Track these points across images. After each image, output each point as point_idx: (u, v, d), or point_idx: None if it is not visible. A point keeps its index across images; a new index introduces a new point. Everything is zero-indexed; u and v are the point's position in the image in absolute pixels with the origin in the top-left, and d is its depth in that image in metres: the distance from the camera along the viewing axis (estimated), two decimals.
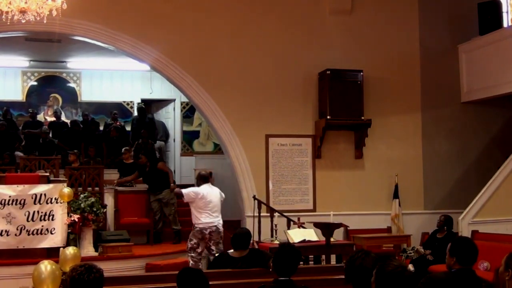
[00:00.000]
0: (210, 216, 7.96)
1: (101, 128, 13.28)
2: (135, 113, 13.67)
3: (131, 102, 13.97)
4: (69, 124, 13.11)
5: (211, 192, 8.12)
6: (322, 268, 6.33)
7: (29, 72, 13.67)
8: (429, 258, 8.22)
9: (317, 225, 7.64)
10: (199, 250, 7.97)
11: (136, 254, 8.60)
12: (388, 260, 3.12)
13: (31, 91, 13.68)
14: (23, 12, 5.82)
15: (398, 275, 3.03)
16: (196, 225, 7.99)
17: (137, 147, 12.02)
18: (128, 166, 10.95)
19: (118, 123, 13.15)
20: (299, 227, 8.08)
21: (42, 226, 8.03)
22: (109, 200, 10.28)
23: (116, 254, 8.30)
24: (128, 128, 13.44)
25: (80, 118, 13.42)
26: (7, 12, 5.85)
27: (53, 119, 13.37)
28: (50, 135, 12.87)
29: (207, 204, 7.98)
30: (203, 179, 8.27)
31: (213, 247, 7.94)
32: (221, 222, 8.09)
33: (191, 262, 7.98)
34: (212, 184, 8.37)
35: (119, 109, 13.80)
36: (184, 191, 8.19)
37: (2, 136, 12.13)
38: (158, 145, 13.18)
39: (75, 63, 13.27)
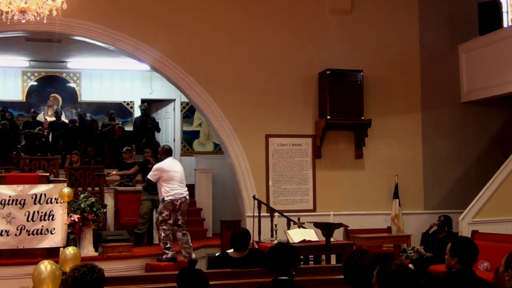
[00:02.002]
0: (178, 187, 8.24)
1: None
2: (136, 113, 13.65)
3: (131, 102, 13.97)
4: (68, 123, 13.09)
5: (174, 165, 8.44)
6: (322, 268, 6.32)
7: (29, 72, 13.67)
8: (426, 255, 8.34)
9: (317, 225, 7.63)
10: (170, 221, 8.21)
11: (136, 254, 8.59)
12: (389, 259, 3.10)
13: (31, 91, 13.68)
14: (23, 12, 5.82)
15: (402, 275, 2.99)
16: (166, 198, 8.19)
17: (144, 145, 12.02)
18: (128, 165, 10.93)
19: (115, 123, 13.14)
20: (299, 227, 8.07)
21: (42, 226, 8.02)
22: (109, 200, 10.28)
23: (116, 254, 8.30)
24: (129, 128, 13.43)
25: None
26: (7, 12, 5.84)
27: (53, 119, 13.36)
28: (50, 135, 12.87)
29: (172, 176, 8.25)
30: (166, 152, 8.58)
31: (179, 217, 8.23)
32: (187, 193, 8.36)
33: (163, 234, 8.21)
34: None
35: (119, 109, 13.81)
36: (148, 176, 8.46)
37: (3, 137, 12.10)
38: None
39: (75, 63, 13.27)
